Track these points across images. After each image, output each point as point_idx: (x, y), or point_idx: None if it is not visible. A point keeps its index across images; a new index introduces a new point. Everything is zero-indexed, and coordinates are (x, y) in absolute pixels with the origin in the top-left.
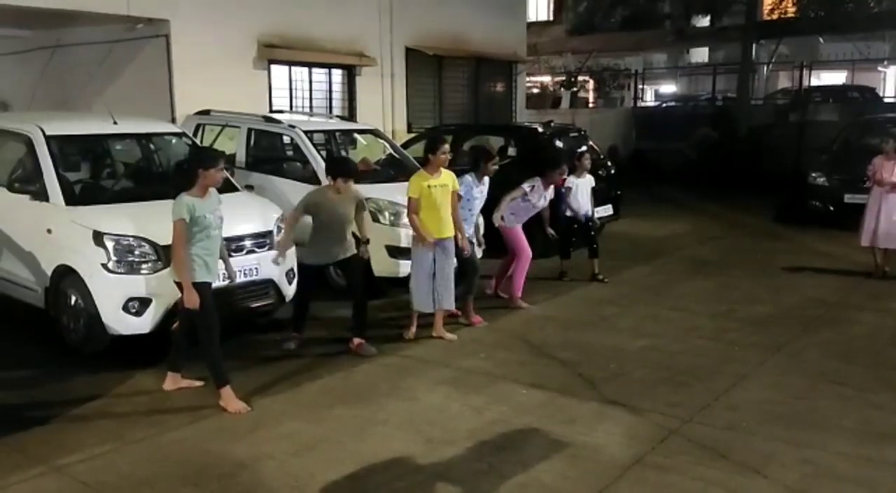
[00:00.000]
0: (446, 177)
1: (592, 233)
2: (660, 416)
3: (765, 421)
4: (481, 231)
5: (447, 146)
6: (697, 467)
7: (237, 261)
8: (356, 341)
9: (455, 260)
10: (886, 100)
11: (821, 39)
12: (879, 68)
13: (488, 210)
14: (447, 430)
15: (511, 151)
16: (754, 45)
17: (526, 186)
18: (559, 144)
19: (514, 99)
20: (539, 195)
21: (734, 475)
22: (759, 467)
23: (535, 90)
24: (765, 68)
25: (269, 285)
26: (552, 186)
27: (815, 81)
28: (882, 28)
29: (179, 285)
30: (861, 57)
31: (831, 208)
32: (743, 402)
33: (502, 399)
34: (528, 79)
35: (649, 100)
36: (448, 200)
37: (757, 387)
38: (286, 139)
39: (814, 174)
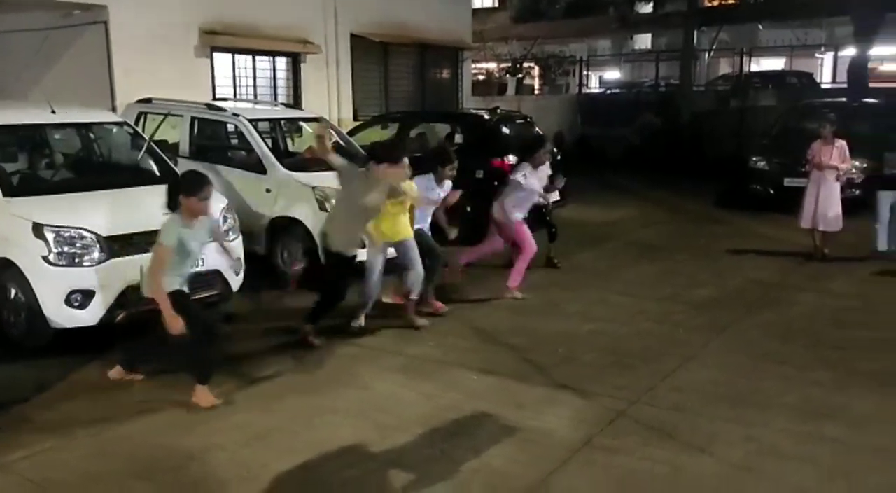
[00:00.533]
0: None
1: (548, 218)
2: (608, 399)
3: (709, 401)
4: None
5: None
6: (645, 447)
7: None
8: (308, 328)
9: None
10: (823, 85)
11: (760, 26)
12: (817, 55)
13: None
14: (399, 417)
15: (458, 138)
16: (696, 32)
17: (519, 177)
18: (506, 130)
19: (460, 86)
20: (533, 178)
21: (680, 454)
22: (704, 445)
23: (481, 77)
24: (706, 55)
25: (216, 275)
26: (546, 164)
27: (754, 67)
28: (819, 15)
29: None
30: (799, 43)
31: (771, 192)
32: (688, 383)
33: (453, 386)
34: (473, 66)
35: (594, 86)
36: (407, 207)
37: (701, 368)
38: (230, 128)
39: (754, 159)
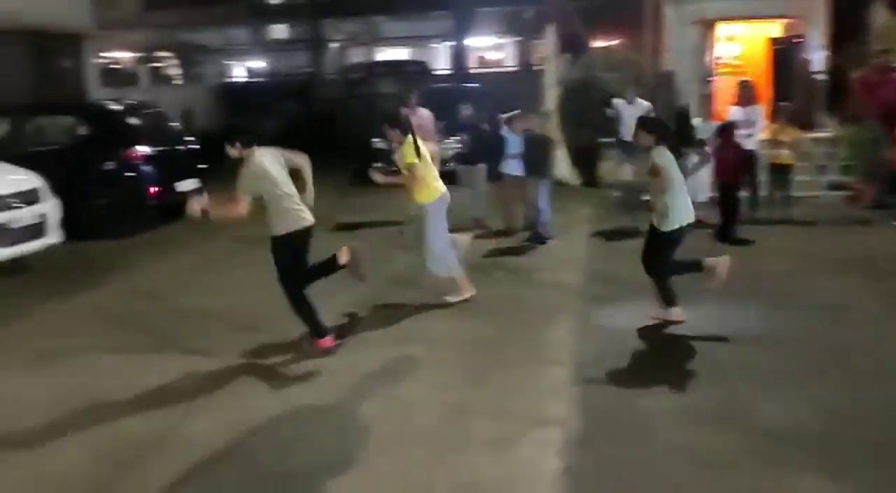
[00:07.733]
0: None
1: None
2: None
3: None
4: None
5: None
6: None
7: None
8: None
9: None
10: (437, 72)
11: (382, 18)
12: (432, 45)
13: None
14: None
15: (84, 130)
16: (324, 22)
17: None
18: (136, 121)
19: (84, 76)
20: None
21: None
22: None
23: (117, 67)
24: (337, 44)
25: None
26: None
27: (381, 56)
28: (430, 10)
29: None
30: (416, 34)
31: (393, 169)
32: None
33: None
34: (106, 55)
35: (238, 76)
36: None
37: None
38: None
39: (375, 140)
